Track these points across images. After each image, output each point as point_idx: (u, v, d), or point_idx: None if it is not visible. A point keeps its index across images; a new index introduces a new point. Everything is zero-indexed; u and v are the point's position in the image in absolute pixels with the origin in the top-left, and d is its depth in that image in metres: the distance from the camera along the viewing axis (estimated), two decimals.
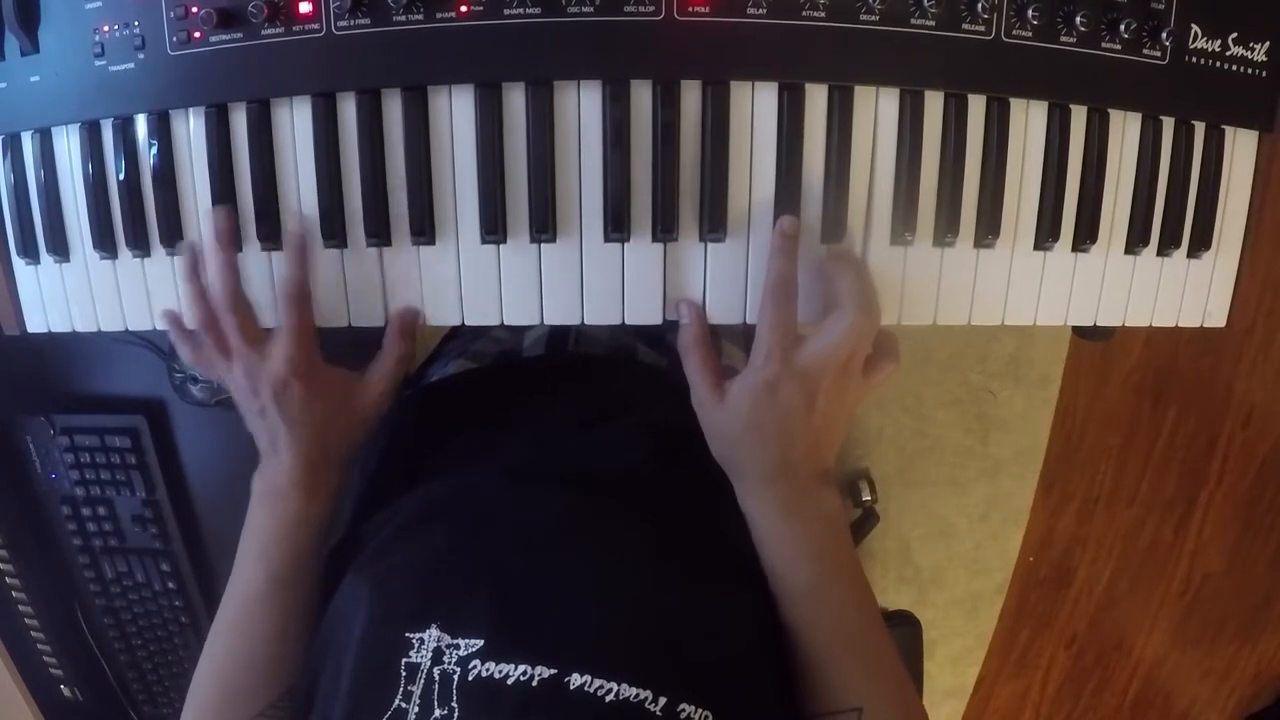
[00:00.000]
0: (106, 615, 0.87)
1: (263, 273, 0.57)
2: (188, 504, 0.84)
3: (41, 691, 0.89)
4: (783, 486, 0.51)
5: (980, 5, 0.53)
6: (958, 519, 1.63)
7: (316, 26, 0.53)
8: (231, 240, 0.55)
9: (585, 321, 0.57)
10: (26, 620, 0.88)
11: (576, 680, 0.40)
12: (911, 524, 1.64)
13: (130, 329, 0.60)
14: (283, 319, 0.55)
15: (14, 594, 0.86)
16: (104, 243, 0.58)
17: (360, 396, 0.57)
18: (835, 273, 0.54)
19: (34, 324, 0.62)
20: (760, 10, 0.52)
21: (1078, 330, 0.65)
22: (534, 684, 0.40)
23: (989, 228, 0.58)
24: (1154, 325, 0.63)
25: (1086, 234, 0.59)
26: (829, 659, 0.50)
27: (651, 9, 0.52)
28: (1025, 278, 0.59)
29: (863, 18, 0.53)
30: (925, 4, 0.53)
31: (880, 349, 0.53)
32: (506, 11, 0.52)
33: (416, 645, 0.42)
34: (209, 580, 0.86)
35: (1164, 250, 0.62)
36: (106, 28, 0.55)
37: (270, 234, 0.56)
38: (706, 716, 0.41)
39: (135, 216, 0.57)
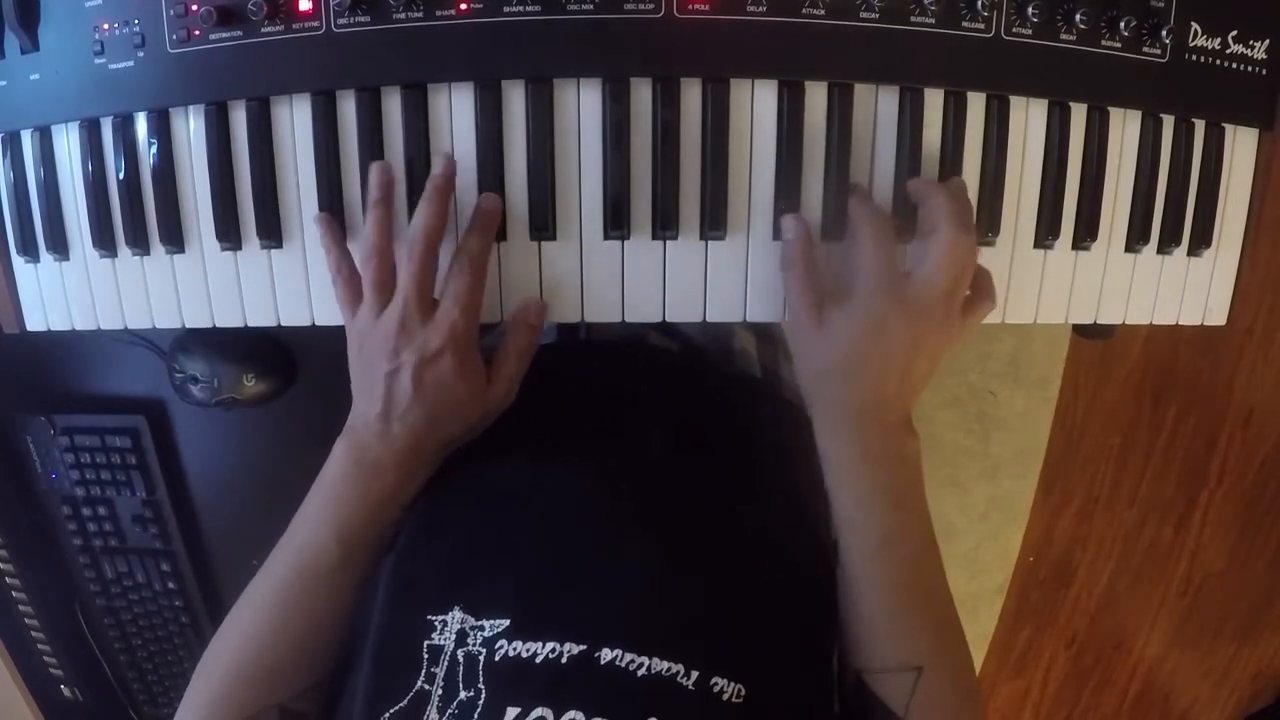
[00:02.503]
0: (106, 615, 0.87)
1: (262, 273, 0.57)
2: (188, 504, 0.84)
3: (41, 691, 0.89)
4: (868, 425, 0.50)
5: (980, 3, 0.53)
6: (958, 519, 1.63)
7: (316, 24, 0.53)
8: (452, 182, 0.53)
9: (585, 320, 0.57)
10: (26, 620, 0.88)
11: (607, 655, 0.40)
12: None
13: (130, 328, 0.60)
14: (456, 287, 0.50)
15: (14, 594, 0.86)
16: (103, 241, 0.58)
17: (488, 393, 0.53)
18: (925, 194, 0.52)
19: (34, 323, 0.62)
20: (760, 8, 0.52)
21: (1078, 329, 0.65)
22: (564, 660, 0.40)
23: (989, 225, 0.58)
24: (1154, 323, 0.63)
25: (1087, 232, 0.59)
26: (895, 614, 0.48)
27: (651, 7, 0.52)
28: (1025, 276, 0.59)
29: (862, 15, 0.53)
30: (925, 2, 0.53)
31: (977, 289, 0.53)
32: (506, 9, 0.52)
33: (439, 628, 0.42)
34: (209, 580, 0.86)
35: (1164, 248, 0.62)
36: (106, 26, 0.55)
37: (270, 232, 0.56)
38: (739, 690, 0.40)
39: (135, 215, 0.57)
